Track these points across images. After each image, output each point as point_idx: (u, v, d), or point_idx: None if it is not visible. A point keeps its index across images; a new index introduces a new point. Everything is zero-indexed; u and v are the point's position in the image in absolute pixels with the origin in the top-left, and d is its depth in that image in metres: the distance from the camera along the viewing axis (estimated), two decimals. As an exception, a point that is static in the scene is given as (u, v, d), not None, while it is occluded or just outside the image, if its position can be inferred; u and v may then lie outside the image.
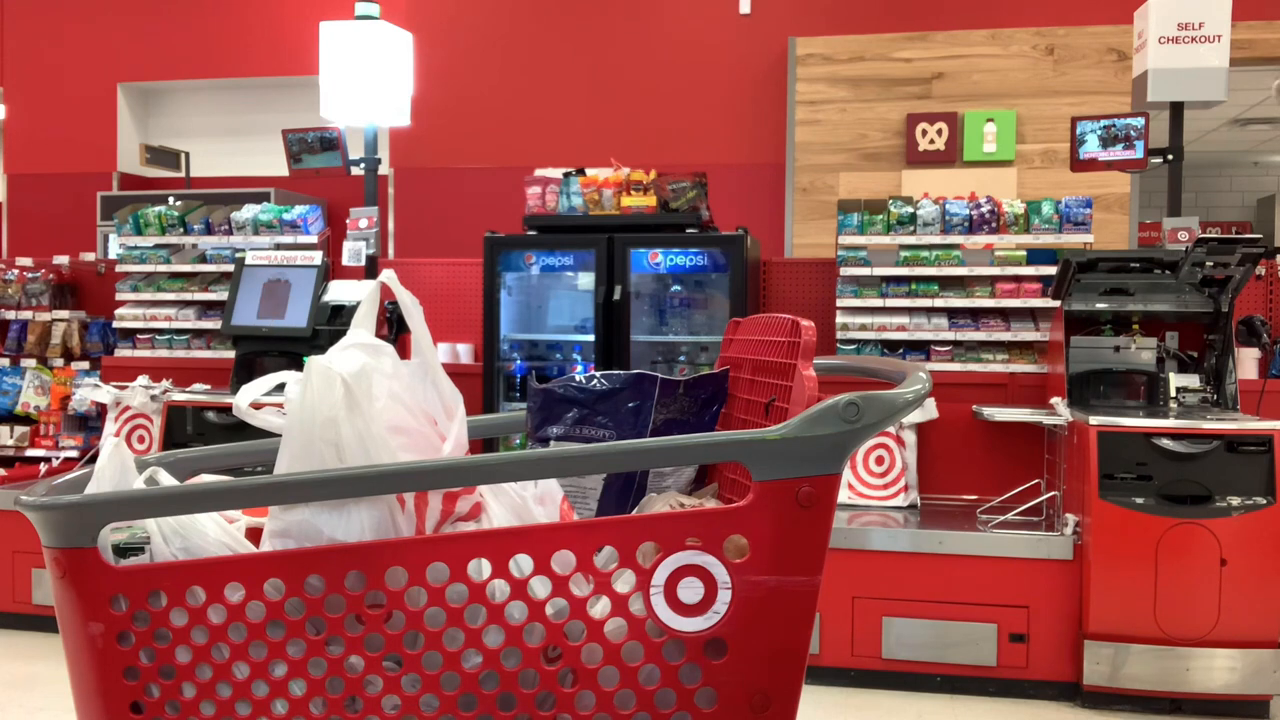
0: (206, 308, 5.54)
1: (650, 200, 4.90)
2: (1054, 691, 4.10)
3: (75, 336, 5.72)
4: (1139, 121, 4.70)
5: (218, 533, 1.31)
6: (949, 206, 4.87)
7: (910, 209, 4.89)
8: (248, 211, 5.53)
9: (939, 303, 4.83)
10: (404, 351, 1.46)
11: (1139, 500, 3.92)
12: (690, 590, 1.24)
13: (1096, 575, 3.95)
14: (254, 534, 1.38)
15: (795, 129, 6.93)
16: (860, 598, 4.19)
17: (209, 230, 5.59)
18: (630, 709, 1.26)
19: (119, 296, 5.62)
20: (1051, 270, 4.63)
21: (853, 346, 4.91)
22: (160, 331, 5.56)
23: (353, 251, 5.21)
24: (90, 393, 5.22)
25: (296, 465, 1.30)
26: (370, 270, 5.25)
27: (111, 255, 6.07)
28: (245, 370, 5.08)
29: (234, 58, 8.07)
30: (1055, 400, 4.33)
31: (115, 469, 1.33)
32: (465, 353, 5.47)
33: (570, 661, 1.26)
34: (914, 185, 6.44)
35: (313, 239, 5.43)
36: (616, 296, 4.85)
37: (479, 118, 7.47)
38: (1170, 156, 4.75)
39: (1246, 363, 4.64)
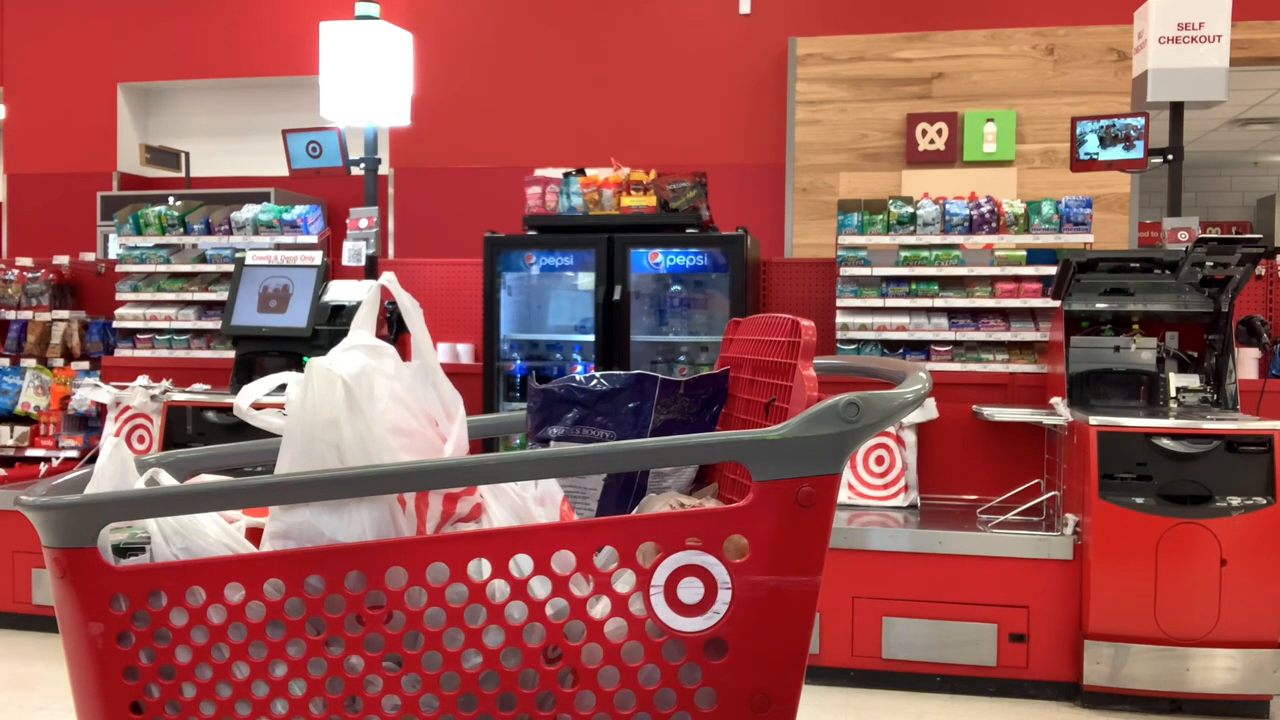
0: (206, 308, 5.54)
1: (650, 200, 4.90)
2: (1054, 691, 4.11)
3: (75, 336, 5.72)
4: (1139, 121, 4.70)
5: (218, 533, 1.31)
6: (949, 206, 4.87)
7: (910, 209, 4.89)
8: (248, 211, 5.53)
9: (939, 303, 4.83)
10: (404, 351, 1.46)
11: (1139, 500, 3.92)
12: (690, 590, 1.24)
13: (1096, 575, 3.95)
14: (254, 534, 1.38)
15: (795, 129, 6.93)
16: (860, 598, 4.19)
17: (209, 230, 5.59)
18: (630, 709, 1.26)
19: (119, 296, 5.62)
20: (1051, 270, 4.63)
21: (853, 346, 4.91)
22: (160, 331, 5.56)
23: (353, 251, 5.21)
24: (90, 393, 5.22)
25: (297, 467, 1.30)
26: (370, 270, 5.25)
27: (111, 255, 6.08)
28: (245, 370, 5.08)
29: (234, 58, 8.07)
30: (1055, 400, 4.33)
31: (115, 469, 1.33)
32: (465, 353, 5.47)
33: (570, 661, 1.26)
34: (914, 185, 6.44)
35: (313, 239, 5.43)
36: (616, 296, 4.85)
37: (479, 118, 7.47)
38: (1170, 156, 4.75)
39: (1246, 363, 4.64)
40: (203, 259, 5.57)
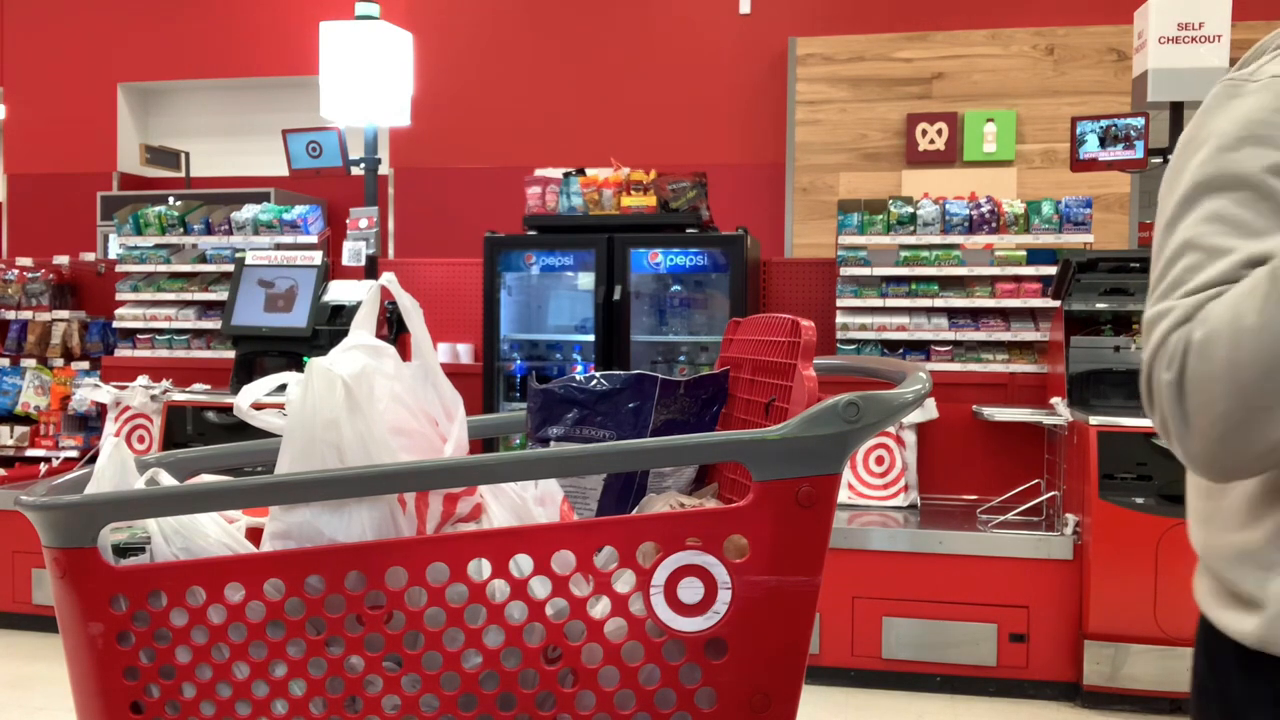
0: (206, 308, 5.54)
1: (650, 200, 4.90)
2: (1054, 691, 4.11)
3: (75, 336, 5.72)
4: (1139, 121, 4.70)
5: (218, 533, 1.31)
6: (949, 206, 4.87)
7: (910, 209, 4.89)
8: (248, 211, 5.53)
9: (939, 303, 4.83)
10: (404, 351, 1.46)
11: (1139, 500, 3.92)
12: (690, 590, 1.24)
13: (1096, 575, 3.95)
14: (254, 534, 1.38)
15: (795, 129, 6.92)
16: (860, 598, 4.19)
17: (209, 230, 5.59)
18: (630, 709, 1.26)
19: (119, 296, 5.62)
20: (1051, 270, 4.64)
21: (853, 346, 4.91)
22: (160, 331, 5.56)
23: (353, 251, 5.21)
24: (90, 393, 5.22)
25: (297, 467, 1.30)
26: (370, 270, 5.25)
27: (111, 255, 6.08)
28: (245, 370, 5.09)
29: (234, 58, 8.07)
30: (1055, 400, 4.34)
31: (115, 469, 1.33)
32: (465, 353, 5.47)
33: (570, 661, 1.25)
34: (914, 185, 6.44)
35: (313, 239, 5.43)
36: (616, 296, 4.85)
37: (479, 118, 7.47)
38: (1170, 156, 4.74)
39: (1246, 363, 4.64)
40: (203, 259, 5.58)
